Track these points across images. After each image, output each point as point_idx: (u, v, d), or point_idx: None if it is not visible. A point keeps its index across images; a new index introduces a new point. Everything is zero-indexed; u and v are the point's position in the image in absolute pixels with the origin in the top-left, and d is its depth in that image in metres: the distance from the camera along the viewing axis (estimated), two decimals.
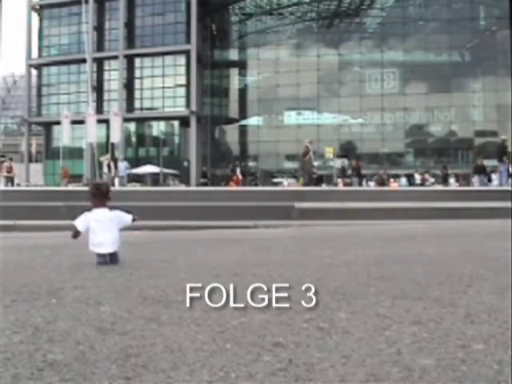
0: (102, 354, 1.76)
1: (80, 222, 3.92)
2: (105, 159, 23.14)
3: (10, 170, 22.95)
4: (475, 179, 21.93)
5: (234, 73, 53.93)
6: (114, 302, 2.58)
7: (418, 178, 31.23)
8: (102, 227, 3.86)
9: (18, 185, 32.78)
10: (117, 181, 22.73)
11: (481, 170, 21.61)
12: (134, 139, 49.68)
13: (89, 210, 4.02)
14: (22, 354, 1.78)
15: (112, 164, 22.80)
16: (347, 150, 45.57)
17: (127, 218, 4.02)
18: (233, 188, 22.16)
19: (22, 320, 2.24)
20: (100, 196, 3.98)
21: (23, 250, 5.12)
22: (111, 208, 4.03)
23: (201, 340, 1.92)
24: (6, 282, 3.16)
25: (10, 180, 23.07)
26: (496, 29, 46.78)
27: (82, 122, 29.04)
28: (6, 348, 1.85)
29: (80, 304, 2.54)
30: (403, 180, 30.64)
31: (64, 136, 28.42)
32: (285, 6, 51.68)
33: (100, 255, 3.87)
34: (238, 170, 30.03)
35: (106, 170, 22.47)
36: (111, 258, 3.88)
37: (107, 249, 3.87)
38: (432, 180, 30.63)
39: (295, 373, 1.58)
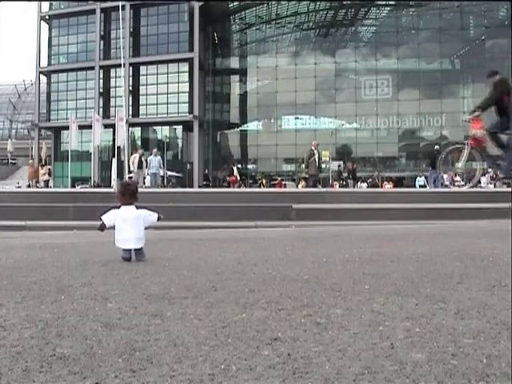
0: (109, 348, 1.81)
1: (107, 218, 4.10)
2: (137, 155, 19.75)
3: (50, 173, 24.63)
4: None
5: (234, 80, 55.12)
6: (120, 299, 2.61)
7: (446, 177, 30.11)
8: (129, 224, 4.01)
9: (29, 186, 34.36)
10: (148, 179, 20.64)
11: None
12: (139, 143, 49.76)
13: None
14: (32, 348, 1.82)
15: (143, 159, 19.86)
16: (343, 154, 46.72)
17: (153, 217, 4.13)
18: (234, 190, 21.94)
19: (32, 316, 2.28)
20: (128, 195, 4.12)
21: (33, 249, 5.11)
22: (137, 207, 4.14)
23: (203, 335, 1.97)
24: (17, 280, 3.21)
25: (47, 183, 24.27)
26: (485, 38, 48.08)
27: (89, 126, 29.18)
28: (17, 342, 1.89)
29: (88, 300, 2.58)
30: (421, 180, 29.12)
31: (72, 140, 28.45)
32: (283, 16, 52.72)
33: (125, 250, 4.02)
34: (235, 170, 31.60)
35: (135, 169, 19.41)
36: (136, 254, 4.05)
37: (133, 245, 4.03)
38: (459, 179, 28.83)
39: (293, 366, 1.62)
